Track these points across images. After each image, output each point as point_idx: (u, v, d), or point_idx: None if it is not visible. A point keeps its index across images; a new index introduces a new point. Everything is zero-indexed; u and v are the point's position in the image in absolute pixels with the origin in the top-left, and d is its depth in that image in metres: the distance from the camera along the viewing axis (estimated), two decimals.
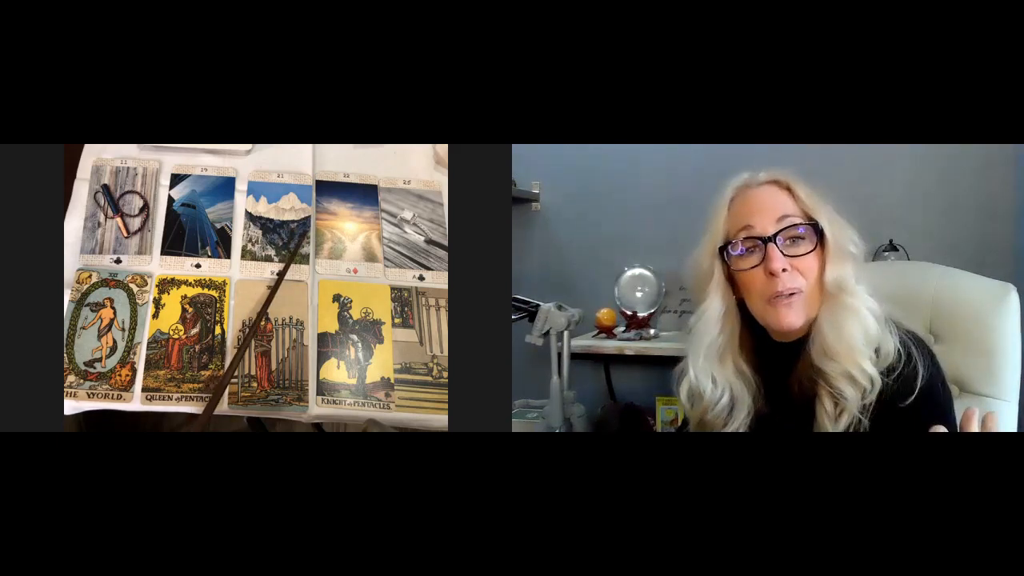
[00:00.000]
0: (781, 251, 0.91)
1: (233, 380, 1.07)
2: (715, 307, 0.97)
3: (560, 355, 1.81)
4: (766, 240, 0.92)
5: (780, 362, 0.96)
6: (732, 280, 0.97)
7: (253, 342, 1.11)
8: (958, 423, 0.83)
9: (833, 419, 0.90)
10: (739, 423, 0.97)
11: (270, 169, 1.31)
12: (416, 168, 1.37)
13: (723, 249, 0.96)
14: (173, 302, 1.14)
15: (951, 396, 0.95)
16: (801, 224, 0.93)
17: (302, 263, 1.21)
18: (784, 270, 0.91)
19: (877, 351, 0.91)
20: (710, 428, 0.99)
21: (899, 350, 0.91)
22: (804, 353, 0.93)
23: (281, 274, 1.18)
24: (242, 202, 1.27)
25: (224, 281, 1.17)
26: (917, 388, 0.88)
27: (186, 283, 1.16)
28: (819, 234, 0.93)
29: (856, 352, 0.89)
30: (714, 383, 0.97)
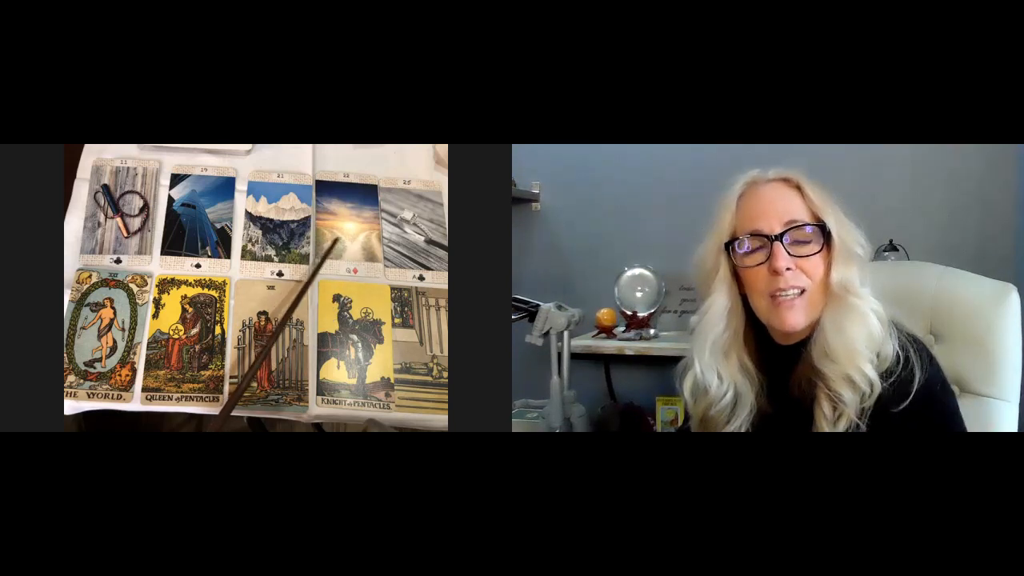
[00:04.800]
0: (787, 250, 0.91)
1: (233, 380, 1.07)
2: (720, 303, 0.97)
3: (560, 355, 1.81)
4: (772, 238, 0.92)
5: (782, 363, 0.96)
6: (737, 276, 0.97)
7: (253, 342, 1.11)
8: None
9: (831, 423, 0.89)
10: (741, 421, 0.97)
11: (270, 169, 1.31)
12: (416, 168, 1.37)
13: (729, 245, 0.96)
14: (173, 302, 1.14)
15: (953, 399, 0.94)
16: (808, 225, 0.93)
17: (302, 263, 1.21)
18: (788, 269, 0.91)
19: (877, 355, 0.90)
20: (713, 425, 0.99)
21: (898, 354, 0.90)
22: (804, 354, 0.93)
23: (314, 273, 1.18)
24: (242, 202, 1.27)
25: (224, 281, 1.17)
26: (912, 392, 0.87)
27: (186, 283, 1.16)
28: (826, 235, 0.93)
29: (856, 354, 0.89)
30: (719, 379, 0.97)
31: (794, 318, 0.92)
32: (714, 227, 0.98)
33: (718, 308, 0.97)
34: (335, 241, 1.24)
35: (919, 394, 0.88)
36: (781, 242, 0.91)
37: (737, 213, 0.96)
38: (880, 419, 0.88)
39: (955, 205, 1.93)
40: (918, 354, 0.90)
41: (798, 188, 0.95)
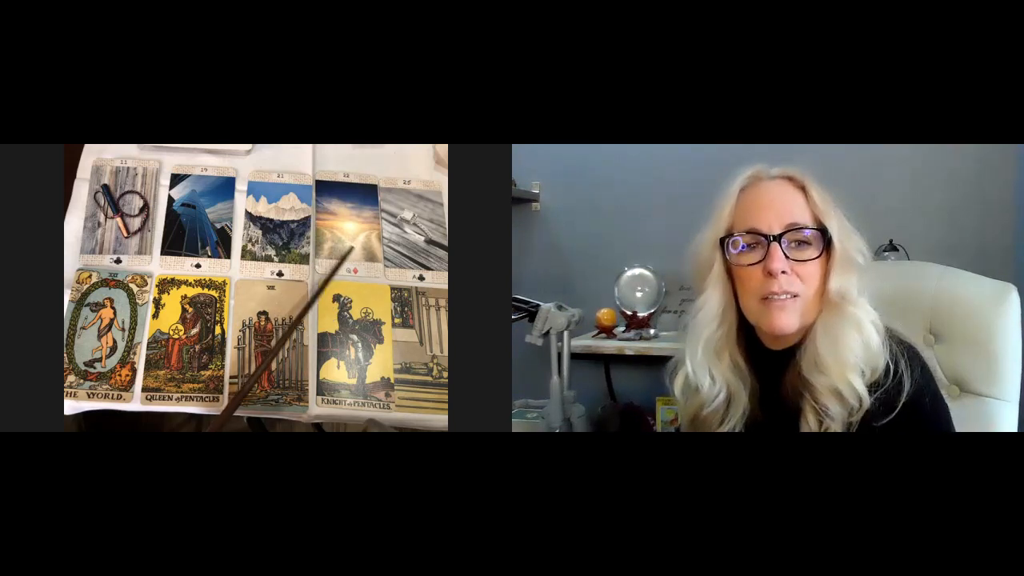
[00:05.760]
0: (784, 253, 0.89)
1: (232, 380, 1.07)
2: (714, 301, 0.94)
3: (560, 355, 1.81)
4: (770, 239, 0.89)
5: (772, 368, 0.94)
6: (731, 274, 0.94)
7: (253, 342, 1.11)
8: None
9: None
10: (735, 422, 0.95)
11: (270, 169, 1.31)
12: (416, 168, 1.37)
13: (724, 240, 0.93)
14: (173, 302, 1.14)
15: (945, 412, 0.91)
16: (809, 228, 0.90)
17: (302, 263, 1.21)
18: (783, 272, 0.88)
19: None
20: (704, 425, 0.97)
21: (888, 364, 0.87)
22: (794, 362, 0.91)
23: (327, 280, 1.18)
24: (242, 202, 1.27)
25: (224, 281, 1.17)
26: (899, 405, 0.85)
27: (186, 283, 1.16)
28: (826, 241, 0.90)
29: (847, 367, 0.86)
30: (712, 379, 0.94)
31: (784, 320, 0.89)
32: (711, 220, 0.96)
33: (711, 307, 0.95)
34: (350, 249, 1.22)
35: (906, 407, 0.85)
36: (779, 243, 0.89)
37: (737, 208, 0.94)
38: (865, 431, 0.86)
39: (955, 205, 1.93)
40: (908, 365, 0.87)
41: (802, 189, 0.92)
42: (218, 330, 1.12)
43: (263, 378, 1.08)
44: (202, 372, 1.07)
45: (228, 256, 1.20)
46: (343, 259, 1.21)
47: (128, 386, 1.05)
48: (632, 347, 1.99)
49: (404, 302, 1.19)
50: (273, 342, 1.11)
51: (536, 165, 2.26)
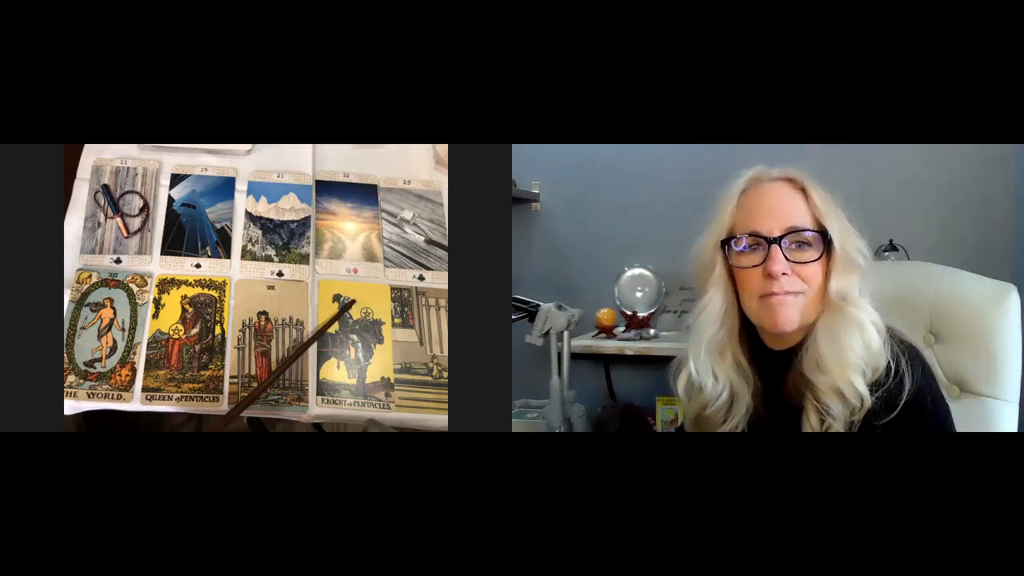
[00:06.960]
0: (785, 255, 0.89)
1: (233, 380, 1.07)
2: (716, 302, 0.95)
3: (560, 355, 1.81)
4: (770, 241, 0.90)
5: (774, 367, 0.95)
6: (732, 275, 0.95)
7: (253, 342, 1.11)
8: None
9: None
10: (738, 420, 0.95)
11: (270, 169, 1.31)
12: (416, 168, 1.37)
13: (725, 243, 0.94)
14: (173, 302, 1.14)
15: (945, 411, 0.91)
16: (809, 230, 0.90)
17: (302, 263, 1.21)
18: (784, 274, 0.89)
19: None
20: (708, 424, 0.98)
21: (888, 364, 0.87)
22: (796, 362, 0.91)
23: (326, 326, 1.16)
24: (242, 202, 1.27)
25: (224, 281, 1.17)
26: (900, 404, 0.85)
27: (186, 283, 1.16)
28: (827, 242, 0.90)
29: (848, 367, 0.87)
30: (715, 378, 0.95)
31: (785, 317, 0.90)
32: (713, 222, 0.96)
33: (713, 309, 0.96)
34: (352, 302, 1.18)
35: (907, 407, 0.85)
36: (779, 245, 0.89)
37: (737, 210, 0.94)
38: (866, 431, 0.86)
39: (955, 205, 1.93)
40: (909, 364, 0.87)
41: (803, 190, 0.93)
42: (218, 330, 1.12)
43: (262, 378, 1.08)
44: (202, 372, 1.07)
45: (228, 256, 1.20)
46: (345, 308, 1.17)
47: (128, 386, 1.05)
48: (632, 347, 1.99)
49: (404, 302, 1.19)
50: (273, 342, 1.11)
51: (536, 165, 2.26)
